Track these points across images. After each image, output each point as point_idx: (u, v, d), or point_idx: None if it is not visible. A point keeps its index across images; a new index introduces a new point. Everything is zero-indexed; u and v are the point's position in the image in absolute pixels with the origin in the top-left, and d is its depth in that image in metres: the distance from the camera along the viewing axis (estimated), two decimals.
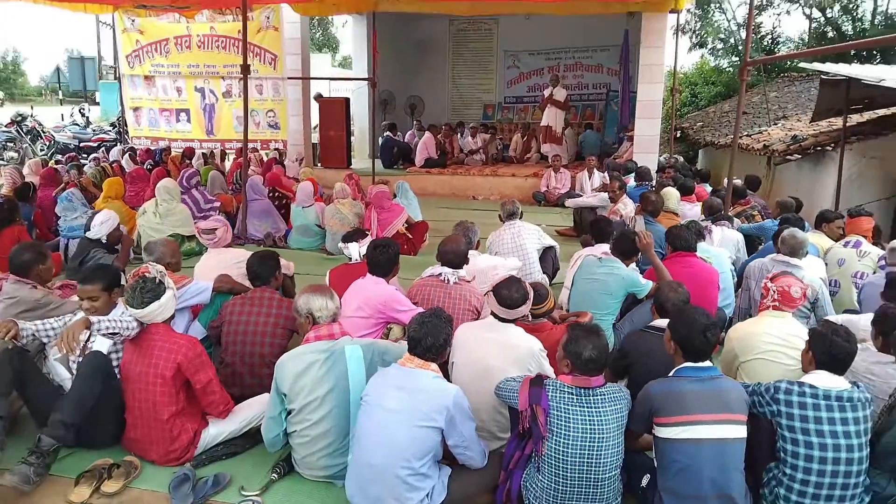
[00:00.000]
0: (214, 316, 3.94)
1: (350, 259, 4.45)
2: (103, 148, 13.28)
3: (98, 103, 24.42)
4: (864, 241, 5.71)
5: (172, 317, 3.38)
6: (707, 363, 2.91)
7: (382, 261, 3.93)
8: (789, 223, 5.49)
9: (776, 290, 3.66)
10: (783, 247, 4.75)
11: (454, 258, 4.15)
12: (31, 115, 15.76)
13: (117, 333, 3.17)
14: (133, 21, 12.72)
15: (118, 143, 13.69)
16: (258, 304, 3.77)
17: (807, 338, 3.03)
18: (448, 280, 4.08)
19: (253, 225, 7.62)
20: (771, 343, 3.52)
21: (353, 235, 4.57)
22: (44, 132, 15.93)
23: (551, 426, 2.73)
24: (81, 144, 14.54)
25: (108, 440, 3.28)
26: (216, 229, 4.67)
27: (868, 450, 2.79)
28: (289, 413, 3.03)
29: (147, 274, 3.22)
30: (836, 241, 5.87)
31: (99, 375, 3.13)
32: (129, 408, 3.20)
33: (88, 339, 3.19)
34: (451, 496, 2.83)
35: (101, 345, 3.19)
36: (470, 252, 4.54)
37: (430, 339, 2.81)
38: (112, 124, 16.43)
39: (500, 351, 3.24)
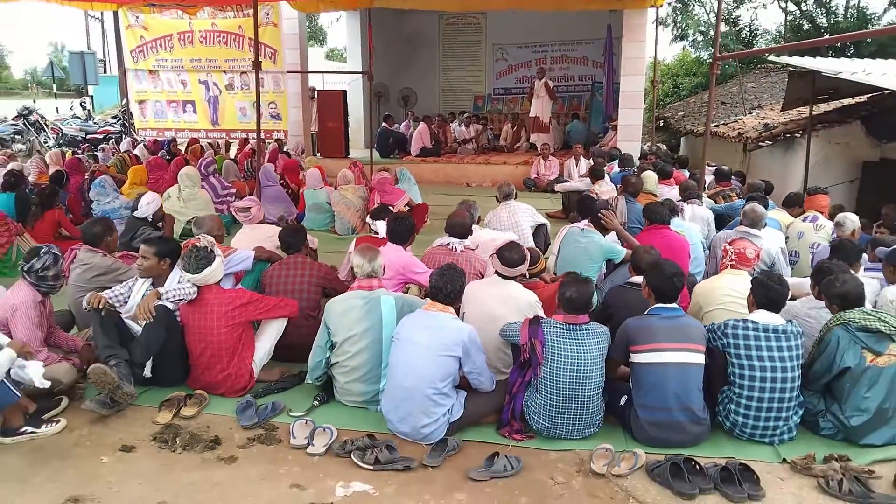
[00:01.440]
0: (255, 280, 4.59)
1: (377, 233, 5.09)
2: (113, 140, 13.82)
3: (91, 96, 24.82)
4: (821, 216, 6.44)
5: (219, 280, 4.02)
6: (674, 305, 3.60)
7: (401, 230, 4.62)
8: (755, 201, 6.21)
9: (733, 252, 4.37)
10: (745, 219, 5.47)
11: (460, 229, 4.83)
12: (36, 109, 16.24)
13: (182, 300, 3.83)
14: (137, 18, 13.23)
15: (123, 135, 14.22)
16: (293, 268, 4.45)
17: None
18: (455, 248, 4.76)
19: (266, 209, 8.19)
20: (729, 296, 4.23)
21: (381, 213, 5.22)
22: (47, 125, 16.39)
23: (547, 354, 3.41)
24: (88, 136, 15.05)
25: (176, 380, 3.93)
26: (250, 208, 5.32)
27: (799, 372, 3.49)
28: (332, 347, 3.71)
29: (198, 244, 3.87)
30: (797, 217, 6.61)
31: (162, 325, 3.78)
32: (196, 355, 3.85)
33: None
34: (467, 413, 3.51)
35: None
36: (473, 226, 5.20)
37: (449, 287, 3.49)
38: (114, 117, 16.91)
39: (504, 302, 3.92)
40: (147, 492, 2.98)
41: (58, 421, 3.45)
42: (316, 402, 3.79)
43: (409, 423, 3.42)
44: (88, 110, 18.45)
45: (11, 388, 3.17)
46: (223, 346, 3.74)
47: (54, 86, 26.61)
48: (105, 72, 26.94)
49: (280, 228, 5.03)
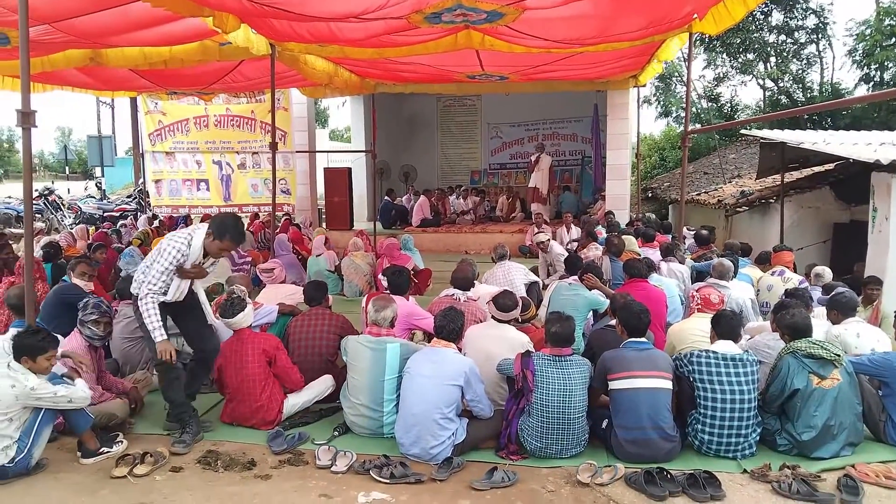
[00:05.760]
0: (280, 331, 5.18)
1: (387, 290, 5.71)
2: (131, 217, 14.63)
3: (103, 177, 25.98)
4: (787, 269, 7.11)
5: (250, 326, 4.62)
6: (644, 339, 4.19)
7: (399, 282, 5.29)
8: (726, 258, 6.87)
9: (699, 297, 5.01)
10: (714, 272, 6.13)
11: (463, 282, 5.49)
12: (55, 190, 17.18)
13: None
14: (156, 104, 14.22)
15: (139, 213, 15.02)
16: (316, 318, 5.05)
17: None
18: (459, 299, 5.38)
19: None
20: (697, 335, 4.81)
21: None
22: (63, 205, 17.28)
23: (537, 382, 3.97)
24: (105, 214, 15.89)
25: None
26: (274, 269, 5.97)
27: (756, 395, 4.05)
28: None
29: (233, 294, 4.50)
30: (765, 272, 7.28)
31: None
32: (233, 389, 4.41)
33: None
34: (469, 437, 4.05)
35: None
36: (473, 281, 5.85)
37: (451, 325, 4.12)
38: (129, 195, 17.82)
39: (499, 342, 4.51)
40: (198, 500, 3.50)
41: (122, 442, 3.99)
42: (336, 433, 4.32)
43: (419, 446, 3.95)
44: (104, 190, 19.38)
45: (88, 412, 3.74)
46: (257, 378, 4.31)
47: (67, 168, 27.76)
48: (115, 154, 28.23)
49: (299, 287, 5.66)
